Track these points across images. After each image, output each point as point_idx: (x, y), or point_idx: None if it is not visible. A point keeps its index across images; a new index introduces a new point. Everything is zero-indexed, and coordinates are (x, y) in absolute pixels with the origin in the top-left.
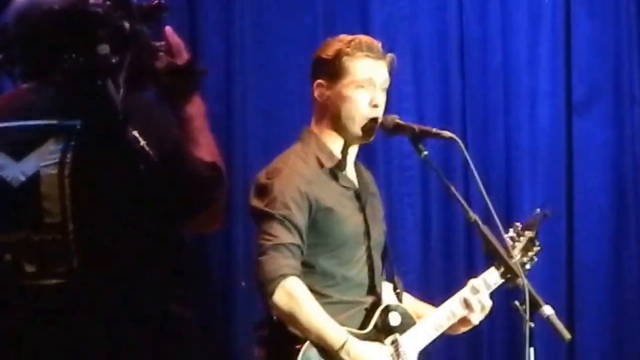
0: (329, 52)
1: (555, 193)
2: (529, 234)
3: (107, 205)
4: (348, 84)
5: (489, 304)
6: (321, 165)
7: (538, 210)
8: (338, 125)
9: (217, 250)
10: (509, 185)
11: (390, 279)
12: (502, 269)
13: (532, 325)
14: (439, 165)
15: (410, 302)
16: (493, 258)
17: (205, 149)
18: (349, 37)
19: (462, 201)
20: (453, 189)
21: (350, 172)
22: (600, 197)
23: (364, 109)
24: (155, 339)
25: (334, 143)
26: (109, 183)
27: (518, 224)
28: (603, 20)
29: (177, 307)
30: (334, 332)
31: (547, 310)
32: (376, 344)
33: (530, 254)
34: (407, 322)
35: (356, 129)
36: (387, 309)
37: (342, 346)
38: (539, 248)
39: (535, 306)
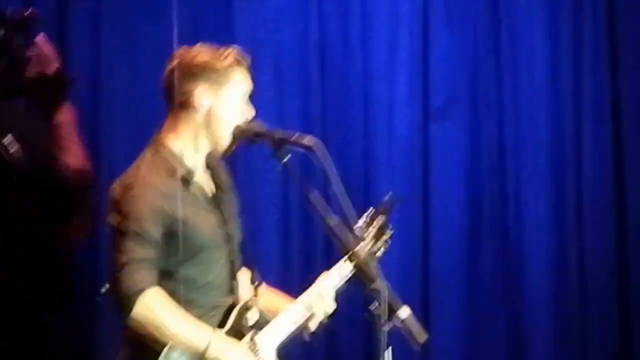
0: (215, 62)
1: (413, 198)
2: (379, 220)
3: None
4: (231, 94)
5: (332, 308)
6: (172, 174)
7: (388, 196)
8: (210, 133)
9: (84, 257)
10: (367, 191)
11: (247, 270)
12: (353, 262)
13: (388, 328)
14: (302, 168)
15: (267, 295)
16: (351, 260)
17: (74, 156)
18: (228, 48)
19: (321, 208)
20: (312, 196)
21: (200, 176)
22: (457, 201)
23: (241, 119)
24: (26, 345)
25: (188, 150)
26: None
27: (370, 210)
28: (460, 28)
29: (45, 314)
30: (198, 335)
31: (403, 313)
32: (239, 343)
33: (382, 239)
34: (264, 320)
35: (228, 139)
36: (243, 309)
37: (207, 348)
38: (391, 232)
39: (392, 310)
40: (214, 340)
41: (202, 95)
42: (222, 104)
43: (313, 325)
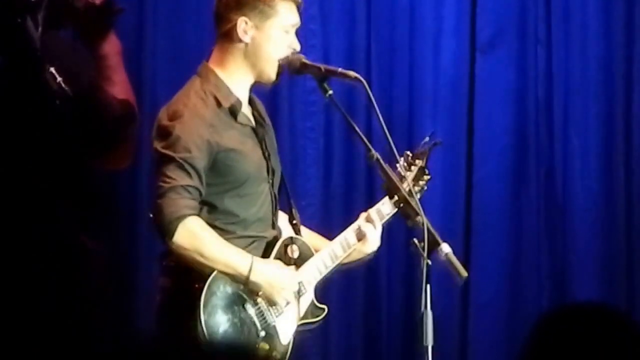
0: None
1: (457, 133)
2: (419, 162)
3: (23, 138)
4: (276, 26)
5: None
6: (219, 105)
7: (427, 138)
8: (253, 64)
9: (124, 185)
10: (411, 125)
11: (287, 210)
12: (395, 200)
13: (430, 262)
14: (343, 104)
15: (307, 235)
16: (393, 196)
17: (119, 86)
18: None
19: (364, 139)
20: (356, 127)
21: (246, 108)
22: (501, 137)
23: (285, 53)
24: (65, 269)
25: (234, 81)
26: (26, 118)
27: (409, 152)
28: None
29: (86, 239)
30: (240, 259)
31: (445, 248)
32: (279, 263)
33: (421, 183)
34: (306, 255)
35: (273, 71)
36: (287, 242)
37: (250, 270)
38: (429, 177)
39: (433, 244)
40: (257, 264)
41: (246, 25)
42: (266, 35)
43: (369, 250)
